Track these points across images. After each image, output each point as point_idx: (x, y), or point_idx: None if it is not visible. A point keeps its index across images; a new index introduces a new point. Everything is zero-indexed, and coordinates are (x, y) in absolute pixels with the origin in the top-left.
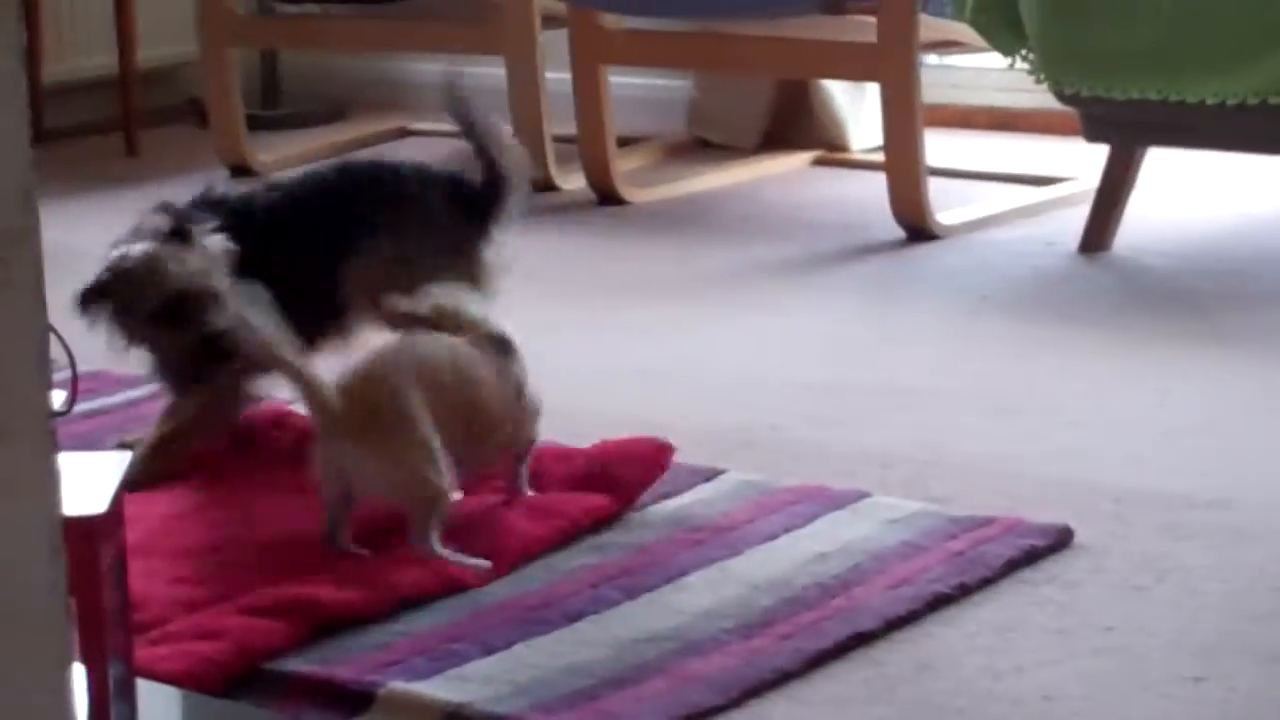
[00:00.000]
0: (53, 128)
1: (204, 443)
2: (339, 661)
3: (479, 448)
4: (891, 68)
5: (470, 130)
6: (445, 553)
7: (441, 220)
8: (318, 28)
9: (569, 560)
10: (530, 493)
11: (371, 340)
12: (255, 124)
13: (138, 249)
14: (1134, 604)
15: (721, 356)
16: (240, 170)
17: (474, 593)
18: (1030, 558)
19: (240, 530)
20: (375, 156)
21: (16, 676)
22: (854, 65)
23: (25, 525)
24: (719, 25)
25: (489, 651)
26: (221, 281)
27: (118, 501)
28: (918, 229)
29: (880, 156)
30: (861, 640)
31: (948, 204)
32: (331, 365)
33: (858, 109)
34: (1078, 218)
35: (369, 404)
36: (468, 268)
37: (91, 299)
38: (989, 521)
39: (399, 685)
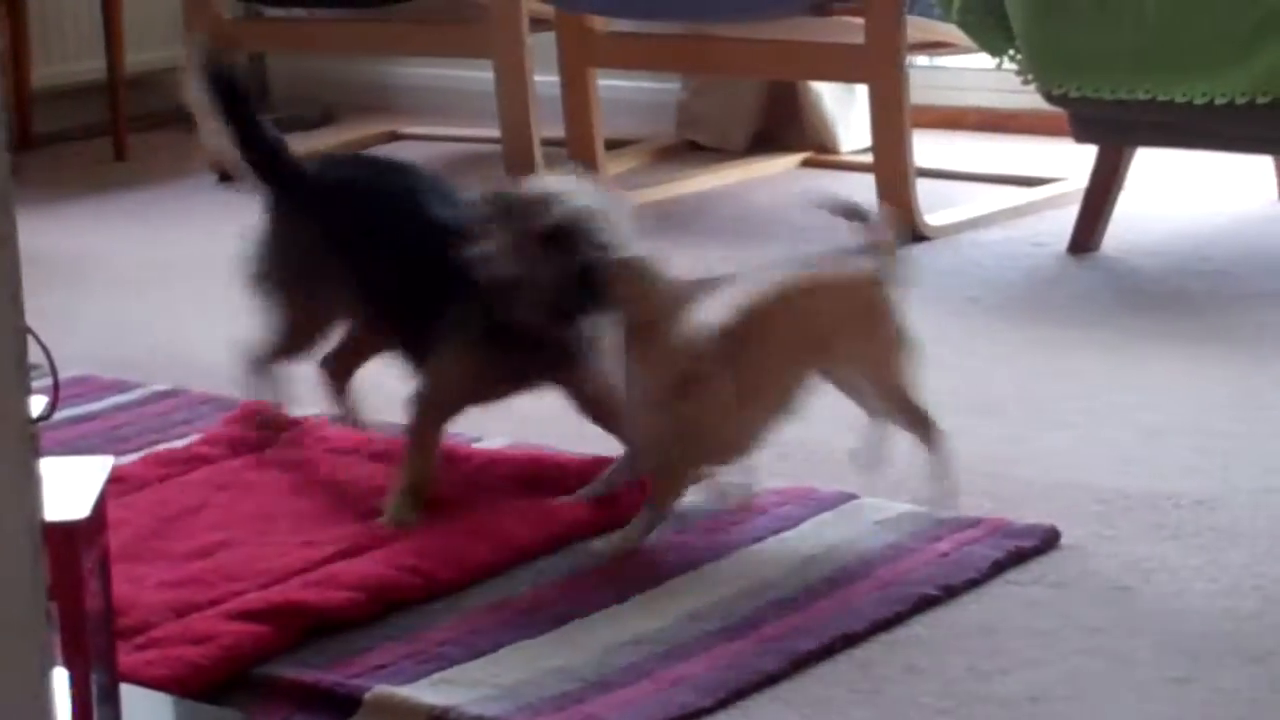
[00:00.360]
0: (41, 132)
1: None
2: (325, 666)
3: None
4: (879, 69)
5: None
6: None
7: None
8: (306, 31)
9: (557, 563)
10: None
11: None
12: None
13: (541, 181)
14: (1120, 605)
15: None
16: (229, 176)
17: (461, 595)
18: (1017, 559)
19: (230, 534)
20: None
21: None
22: (842, 67)
23: (4, 530)
24: (706, 27)
25: (476, 654)
26: (609, 218)
27: (100, 506)
28: (907, 230)
29: (869, 158)
30: (848, 642)
31: (936, 205)
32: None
33: (847, 111)
34: (1066, 218)
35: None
36: None
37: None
38: (976, 523)
39: (385, 689)
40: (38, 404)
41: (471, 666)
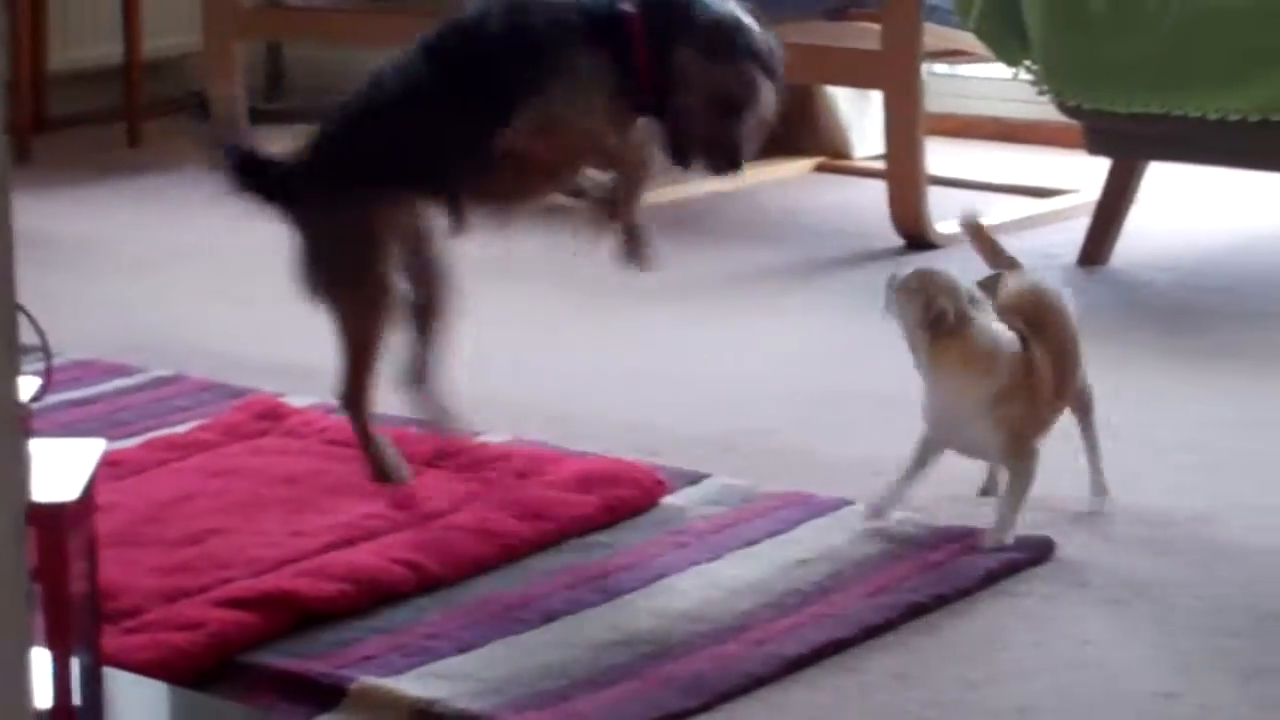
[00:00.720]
0: (56, 116)
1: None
2: (313, 655)
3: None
4: (894, 75)
5: None
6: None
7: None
8: (323, 20)
9: (550, 561)
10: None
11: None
12: (258, 117)
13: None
14: (1112, 618)
15: (714, 361)
16: None
17: (452, 590)
18: (1010, 570)
19: (223, 521)
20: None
21: None
22: (857, 72)
23: None
24: None
25: (464, 649)
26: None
27: (89, 490)
28: (917, 238)
29: (883, 164)
30: (838, 647)
31: (948, 214)
32: None
33: (861, 116)
34: (1077, 230)
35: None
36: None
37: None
38: (971, 533)
39: (370, 680)
40: (30, 385)
41: (458, 661)
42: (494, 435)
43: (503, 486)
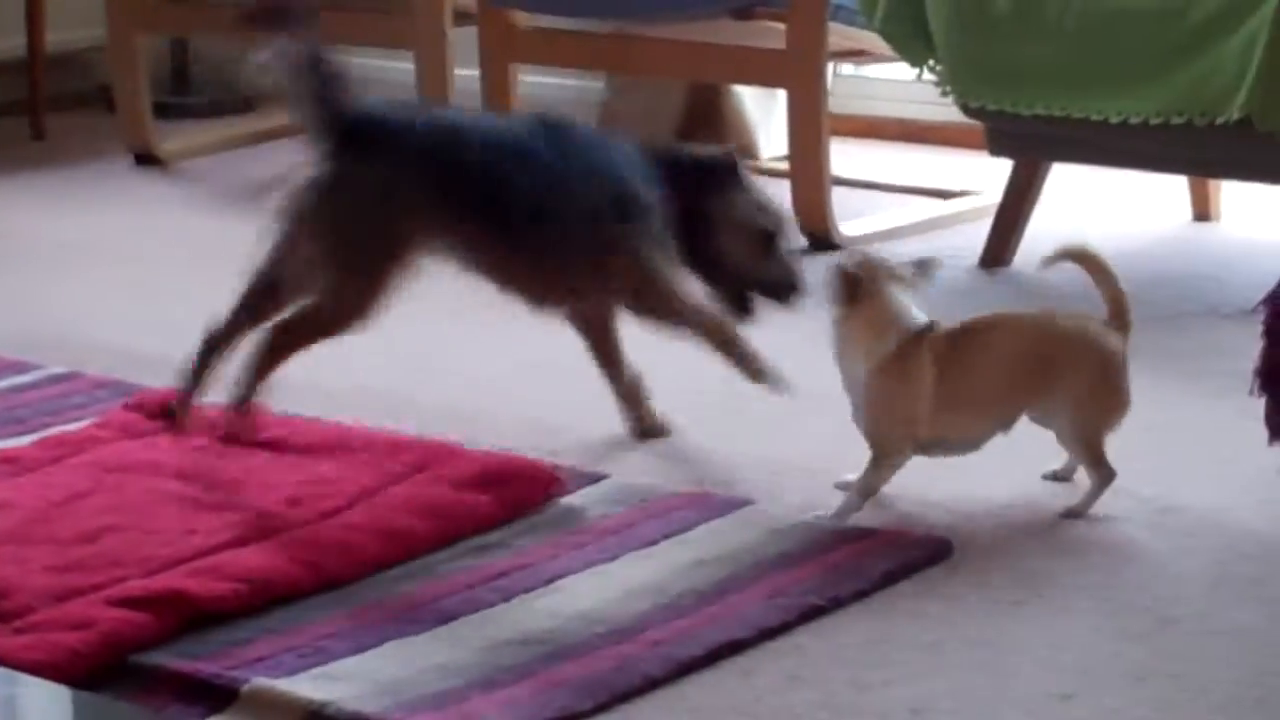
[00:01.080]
0: None
1: None
2: (205, 656)
3: None
4: (799, 75)
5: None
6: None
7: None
8: (228, 16)
9: (447, 561)
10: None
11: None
12: (164, 111)
13: None
14: (1009, 619)
15: None
16: (145, 158)
17: (348, 590)
18: (909, 570)
19: (117, 520)
20: None
21: None
22: (762, 71)
23: None
24: (629, 27)
25: (358, 650)
26: None
27: None
28: (821, 238)
29: (788, 165)
30: (733, 649)
31: (851, 214)
32: None
33: (768, 116)
34: (980, 232)
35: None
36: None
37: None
38: (871, 534)
39: (263, 681)
40: None
41: (352, 662)
42: (395, 430)
43: (401, 482)
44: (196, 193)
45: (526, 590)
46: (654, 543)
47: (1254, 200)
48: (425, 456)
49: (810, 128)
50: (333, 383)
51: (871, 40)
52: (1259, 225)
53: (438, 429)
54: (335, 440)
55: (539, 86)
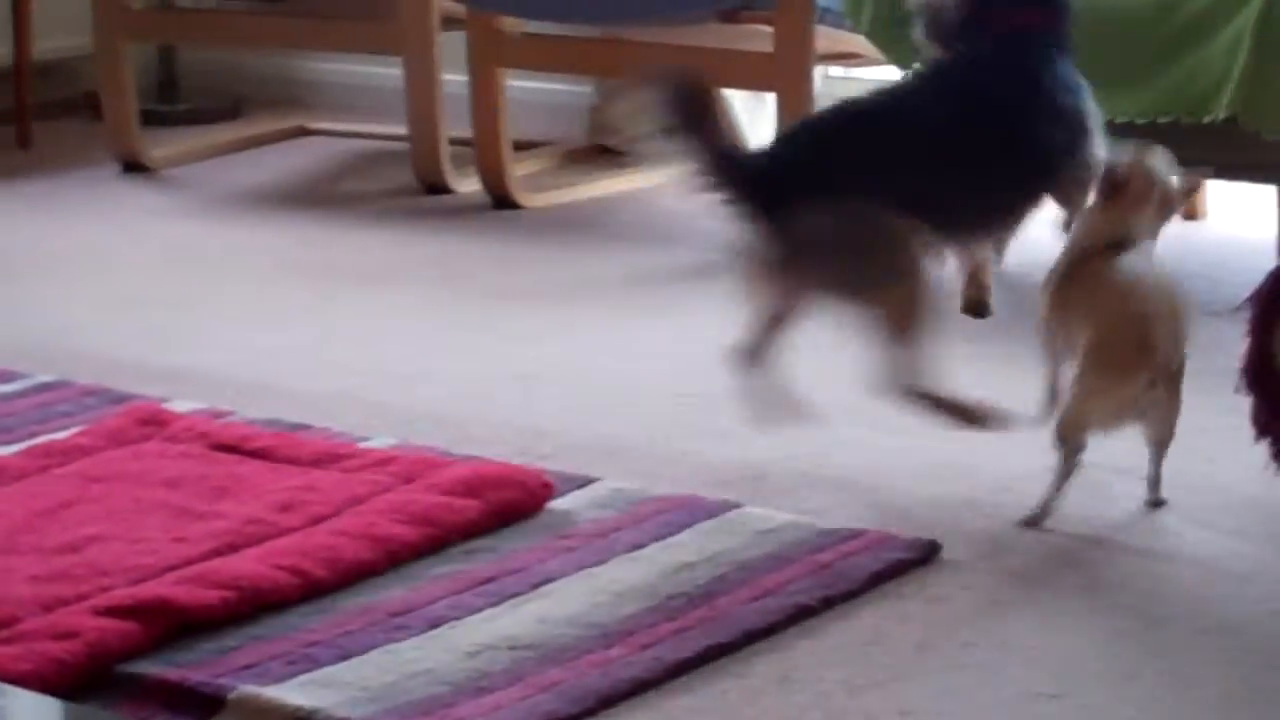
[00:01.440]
0: None
1: None
2: (191, 664)
3: None
4: (787, 78)
5: None
6: None
7: None
8: (215, 23)
9: (434, 566)
10: None
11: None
12: (151, 119)
13: None
14: (996, 620)
15: (606, 363)
16: (132, 166)
17: (334, 597)
18: (896, 571)
19: (103, 528)
20: None
21: None
22: (750, 74)
23: None
24: (617, 31)
25: (345, 656)
26: None
27: None
28: None
29: None
30: (722, 651)
31: None
32: None
33: (757, 120)
34: None
35: None
36: None
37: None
38: (858, 535)
39: (250, 689)
40: None
41: (339, 668)
42: (383, 439)
43: (389, 490)
44: (184, 200)
45: (515, 595)
46: (642, 546)
47: (1241, 199)
48: (414, 467)
49: None
50: (320, 391)
51: (859, 43)
52: (1246, 224)
53: (421, 436)
54: (324, 452)
55: (527, 91)
